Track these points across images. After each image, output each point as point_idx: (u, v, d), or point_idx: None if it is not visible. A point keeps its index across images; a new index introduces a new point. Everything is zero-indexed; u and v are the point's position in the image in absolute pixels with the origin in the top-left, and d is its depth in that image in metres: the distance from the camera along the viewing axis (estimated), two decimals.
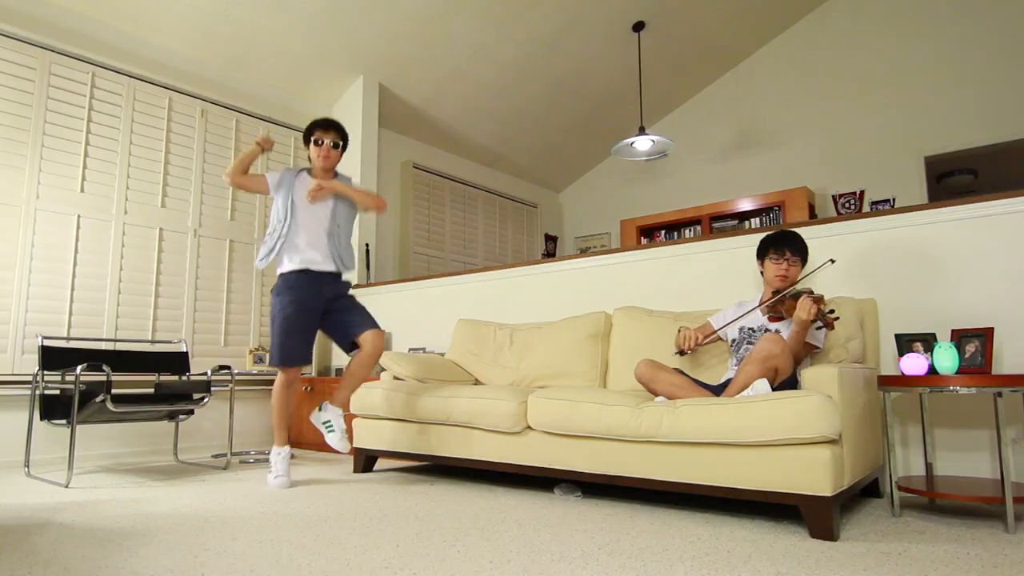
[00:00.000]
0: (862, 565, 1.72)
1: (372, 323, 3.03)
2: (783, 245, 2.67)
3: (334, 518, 2.28)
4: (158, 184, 4.17)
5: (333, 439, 2.95)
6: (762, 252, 2.75)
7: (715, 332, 2.77)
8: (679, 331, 2.77)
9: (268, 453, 4.02)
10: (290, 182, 3.02)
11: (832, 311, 2.40)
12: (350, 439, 3.36)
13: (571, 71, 5.59)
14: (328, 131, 3.02)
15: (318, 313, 3.00)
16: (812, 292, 2.45)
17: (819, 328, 2.55)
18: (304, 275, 2.96)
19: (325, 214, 3.01)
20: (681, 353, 2.79)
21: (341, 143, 3.06)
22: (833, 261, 2.80)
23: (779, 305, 2.57)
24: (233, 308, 4.47)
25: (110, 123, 3.99)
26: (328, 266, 3.00)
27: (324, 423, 2.99)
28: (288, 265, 2.96)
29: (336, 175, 3.11)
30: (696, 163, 6.45)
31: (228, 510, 2.42)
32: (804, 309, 2.38)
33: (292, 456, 2.97)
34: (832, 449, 2.05)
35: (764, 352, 2.33)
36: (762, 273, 2.77)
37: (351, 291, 3.16)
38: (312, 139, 3.02)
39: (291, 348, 2.92)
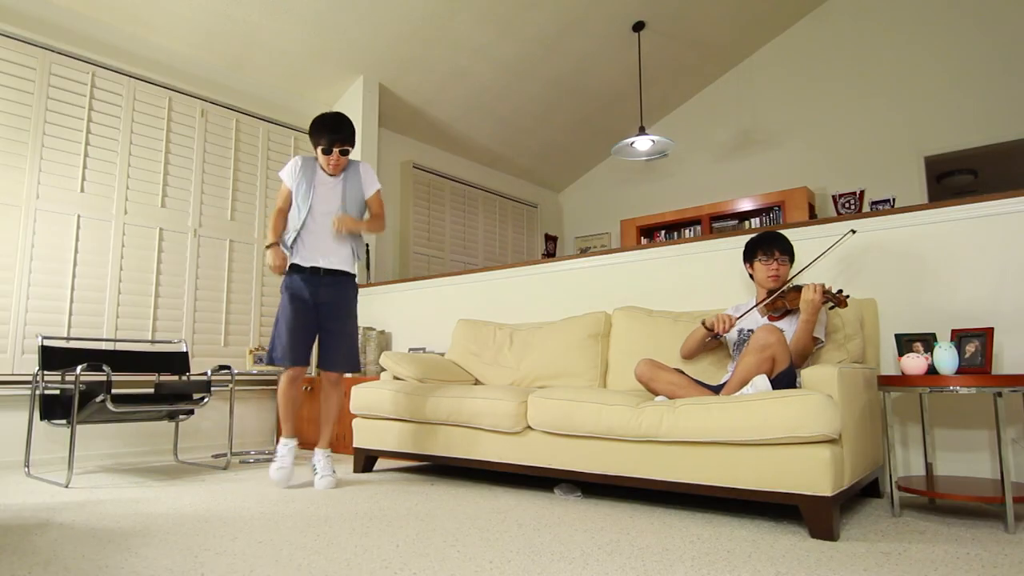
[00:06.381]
0: (862, 565, 1.72)
1: (341, 364, 2.98)
2: (771, 246, 2.67)
3: (334, 518, 2.28)
4: (158, 184, 4.17)
5: (320, 483, 2.87)
6: (749, 255, 2.74)
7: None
8: (704, 321, 2.72)
9: (268, 453, 4.03)
10: (309, 177, 2.95)
11: (841, 291, 2.42)
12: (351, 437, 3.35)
13: (571, 71, 5.58)
14: (335, 141, 2.88)
15: (315, 311, 2.96)
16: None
17: (831, 308, 2.56)
18: (305, 272, 2.93)
19: (334, 211, 2.95)
20: (715, 337, 2.77)
21: (350, 149, 2.94)
22: (854, 231, 2.79)
23: (780, 300, 2.58)
24: (233, 308, 4.47)
25: (110, 123, 3.99)
26: (333, 264, 2.96)
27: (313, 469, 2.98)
28: (295, 260, 2.95)
29: (350, 163, 3.03)
30: (696, 163, 6.45)
31: (228, 510, 2.42)
32: (810, 289, 2.40)
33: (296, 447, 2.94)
34: (832, 449, 2.05)
35: (761, 342, 2.33)
36: (751, 276, 2.77)
37: (358, 297, 3.11)
38: (319, 147, 2.90)
39: (293, 347, 2.87)
